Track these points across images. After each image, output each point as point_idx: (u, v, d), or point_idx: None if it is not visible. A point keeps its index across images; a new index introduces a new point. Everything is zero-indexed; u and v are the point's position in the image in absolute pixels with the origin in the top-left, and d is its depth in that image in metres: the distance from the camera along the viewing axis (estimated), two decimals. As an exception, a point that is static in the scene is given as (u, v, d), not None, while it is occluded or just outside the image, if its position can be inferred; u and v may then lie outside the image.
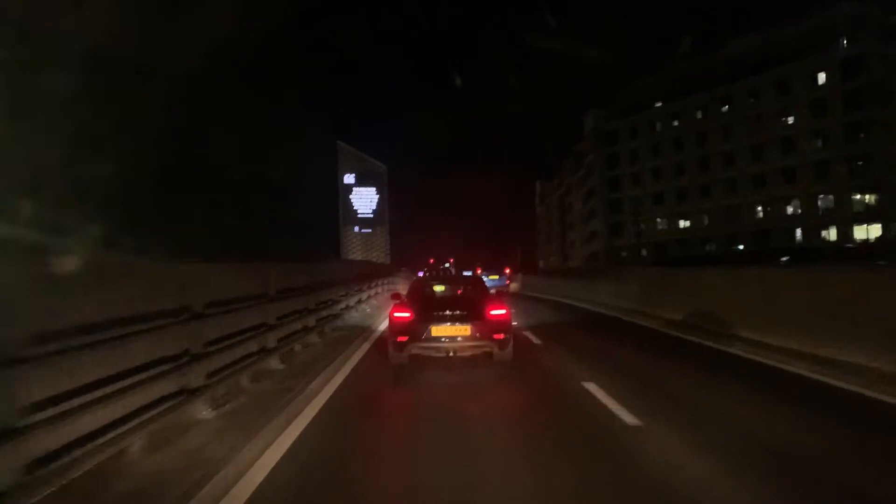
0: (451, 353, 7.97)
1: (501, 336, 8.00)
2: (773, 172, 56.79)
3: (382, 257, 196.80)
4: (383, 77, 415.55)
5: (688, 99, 63.93)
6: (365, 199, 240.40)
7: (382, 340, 9.94)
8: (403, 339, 7.99)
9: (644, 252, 69.50)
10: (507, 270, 40.92)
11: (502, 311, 8.18)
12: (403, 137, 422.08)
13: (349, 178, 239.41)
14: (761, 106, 58.18)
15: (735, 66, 58.06)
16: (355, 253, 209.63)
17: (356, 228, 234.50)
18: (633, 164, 71.01)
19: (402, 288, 13.91)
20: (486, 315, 8.06)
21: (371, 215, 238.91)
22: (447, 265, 58.96)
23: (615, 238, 73.30)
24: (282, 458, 4.48)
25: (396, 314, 8.28)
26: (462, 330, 7.90)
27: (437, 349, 7.95)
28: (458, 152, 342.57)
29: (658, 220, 68.49)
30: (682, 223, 66.63)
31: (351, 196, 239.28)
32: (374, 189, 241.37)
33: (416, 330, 7.96)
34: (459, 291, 10.05)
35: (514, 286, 34.39)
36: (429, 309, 8.28)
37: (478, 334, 7.90)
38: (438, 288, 10.36)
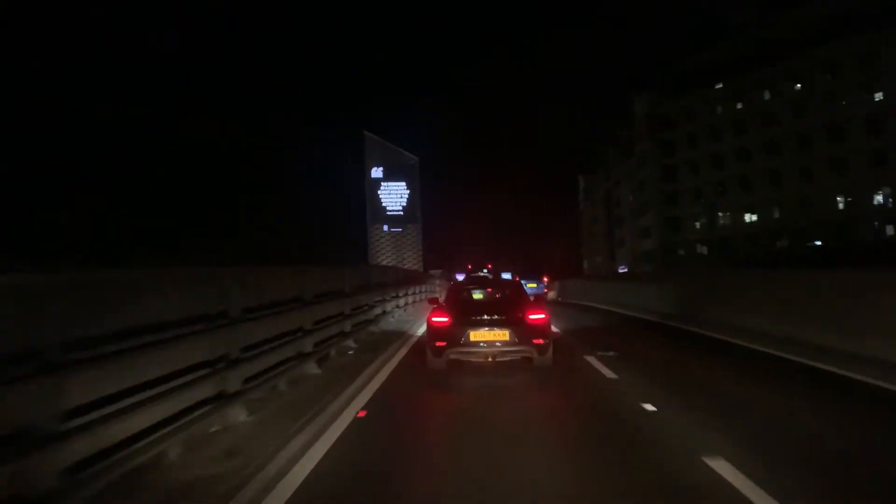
0: (490, 359, 8.02)
1: (541, 341, 7.97)
2: (857, 156, 49.28)
3: (414, 259, 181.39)
4: (412, 62, 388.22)
5: (752, 74, 56.61)
6: (395, 195, 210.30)
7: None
8: (442, 344, 8.00)
9: (704, 249, 62.54)
10: (545, 278, 40.61)
11: (541, 316, 8.13)
12: (436, 128, 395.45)
13: (377, 172, 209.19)
14: (842, 79, 50.76)
15: (809, 33, 50.77)
16: (385, 255, 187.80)
17: (385, 227, 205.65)
18: (691, 150, 63.96)
19: (440, 295, 13.31)
20: (526, 319, 8.02)
21: (401, 212, 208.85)
22: (485, 271, 58.92)
23: (671, 234, 66.39)
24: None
25: (434, 319, 8.27)
26: (501, 335, 7.84)
27: (476, 354, 7.94)
28: (495, 146, 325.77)
29: (720, 213, 61.40)
30: (749, 217, 59.32)
31: (379, 192, 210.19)
32: (404, 183, 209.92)
33: (454, 335, 7.94)
34: (498, 296, 9.58)
35: (551, 294, 34.06)
36: (467, 314, 8.26)
37: (517, 339, 7.85)
38: (476, 292, 10.01)
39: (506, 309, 8.26)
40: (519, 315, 8.04)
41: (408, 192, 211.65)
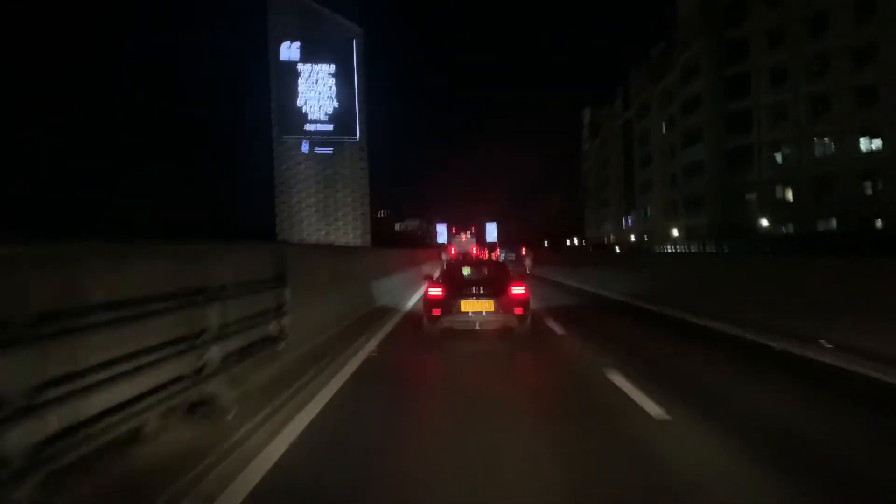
0: (477, 326, 9.20)
1: (521, 311, 9.08)
2: None
3: (356, 210, 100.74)
4: None
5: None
6: (321, 89, 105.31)
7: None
8: (437, 312, 9.12)
9: (788, 192, 44.03)
10: (523, 250, 44.49)
11: (522, 290, 9.31)
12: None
13: (290, 51, 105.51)
14: None
15: None
16: (306, 199, 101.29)
17: (304, 146, 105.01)
18: (773, 52, 44.79)
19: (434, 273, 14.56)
20: (508, 293, 9.17)
21: (330, 122, 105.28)
22: (469, 234, 64.73)
23: (736, 172, 47.80)
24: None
25: (431, 291, 9.43)
26: (487, 305, 9.03)
27: (466, 322, 9.11)
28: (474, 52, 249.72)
29: (816, 140, 42.60)
30: (868, 143, 40.49)
31: (298, 85, 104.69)
32: (333, 68, 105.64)
33: (447, 305, 9.09)
34: (485, 272, 10.83)
35: (528, 262, 37.11)
36: (458, 287, 9.48)
37: (501, 310, 9.02)
38: (466, 269, 11.14)
39: (491, 284, 9.49)
40: (503, 288, 9.26)
41: (344, 85, 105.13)
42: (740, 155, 47.26)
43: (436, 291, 9.30)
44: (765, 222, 42.00)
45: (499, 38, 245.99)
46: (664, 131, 61.71)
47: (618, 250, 60.33)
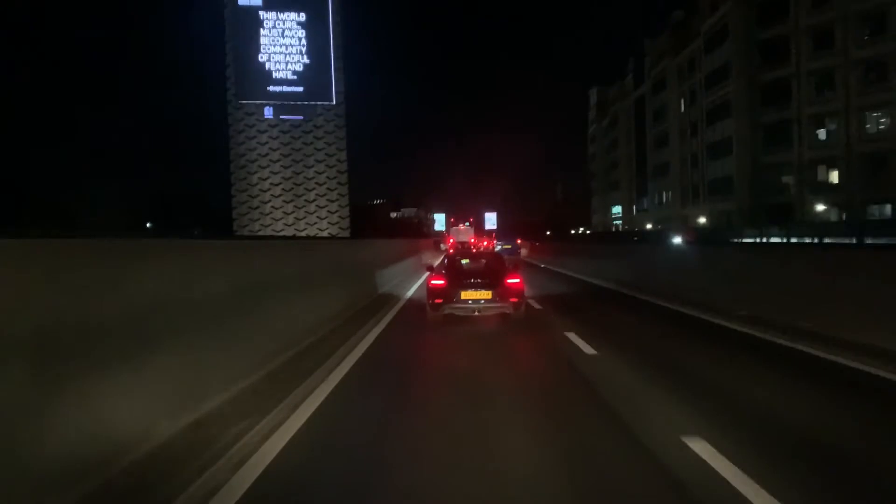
0: (476, 313, 9.86)
1: (516, 300, 9.77)
2: None
3: (333, 191, 74.19)
4: None
5: None
6: (289, 42, 75.57)
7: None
8: (439, 301, 9.72)
9: (833, 173, 38.50)
10: (518, 240, 44.58)
11: (517, 280, 9.98)
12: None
13: None
14: None
15: None
16: (265, 181, 72.96)
17: (268, 111, 75.14)
18: (818, 9, 38.97)
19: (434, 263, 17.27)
20: (504, 283, 9.81)
21: (298, 85, 75.33)
22: (467, 224, 65.76)
23: (770, 152, 42.15)
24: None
25: (433, 281, 10.01)
26: (485, 294, 9.65)
27: (466, 309, 9.72)
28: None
29: (868, 113, 36.94)
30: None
31: (260, 37, 74.49)
32: (304, 16, 75.40)
33: (449, 294, 9.68)
34: (483, 263, 11.52)
35: (524, 251, 40.51)
36: (459, 277, 10.09)
37: (498, 299, 9.65)
38: (466, 261, 11.85)
39: (489, 274, 10.22)
40: (499, 279, 9.91)
41: (315, 37, 76.94)
42: (776, 131, 41.59)
43: (438, 282, 9.93)
44: (820, 206, 36.32)
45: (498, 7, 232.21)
46: (682, 108, 56.05)
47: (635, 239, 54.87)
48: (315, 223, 71.97)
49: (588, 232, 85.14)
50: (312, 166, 74.00)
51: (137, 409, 3.76)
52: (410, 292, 14.88)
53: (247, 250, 7.09)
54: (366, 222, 76.16)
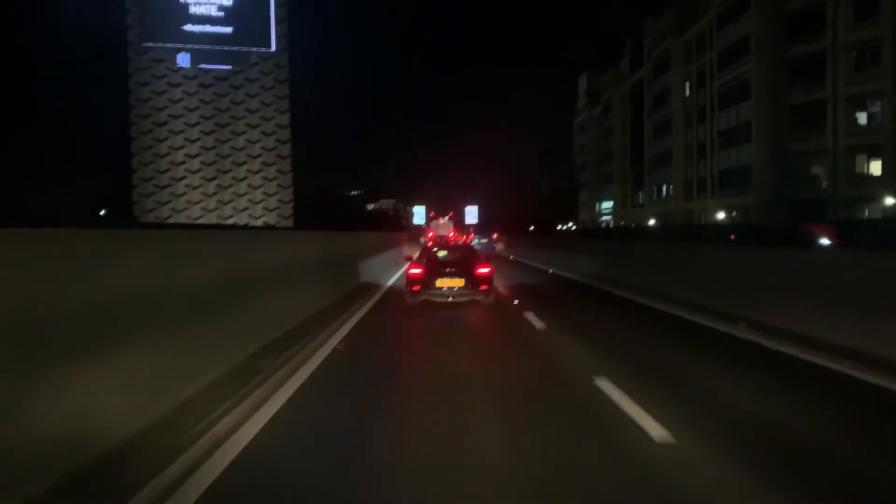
0: (450, 300, 10.99)
1: (486, 287, 11.05)
2: None
3: (270, 167, 54.87)
4: None
5: None
6: None
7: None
8: (417, 288, 10.92)
9: (875, 164, 33.04)
10: (495, 235, 47.04)
11: (487, 270, 11.24)
12: None
13: None
14: None
15: None
16: (178, 158, 53.38)
17: (182, 59, 53.67)
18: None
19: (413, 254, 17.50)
20: (476, 272, 11.03)
21: (226, 25, 54.64)
22: (447, 218, 68.09)
23: (797, 139, 36.59)
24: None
25: (412, 270, 11.17)
26: (458, 282, 10.86)
27: (441, 296, 10.91)
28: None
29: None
30: None
31: None
32: None
33: (425, 282, 10.88)
34: (457, 254, 12.89)
35: (499, 246, 41.55)
36: (435, 267, 11.30)
37: (470, 286, 10.88)
38: (442, 252, 13.16)
39: (462, 265, 11.38)
40: (471, 268, 11.14)
41: None
42: (805, 114, 36.04)
43: (416, 270, 11.07)
44: (889, 199, 30.66)
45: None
46: (688, 92, 50.52)
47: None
48: (246, 208, 53.53)
49: (574, 227, 79.70)
50: (243, 133, 53.84)
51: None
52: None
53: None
54: (332, 213, 64.73)
